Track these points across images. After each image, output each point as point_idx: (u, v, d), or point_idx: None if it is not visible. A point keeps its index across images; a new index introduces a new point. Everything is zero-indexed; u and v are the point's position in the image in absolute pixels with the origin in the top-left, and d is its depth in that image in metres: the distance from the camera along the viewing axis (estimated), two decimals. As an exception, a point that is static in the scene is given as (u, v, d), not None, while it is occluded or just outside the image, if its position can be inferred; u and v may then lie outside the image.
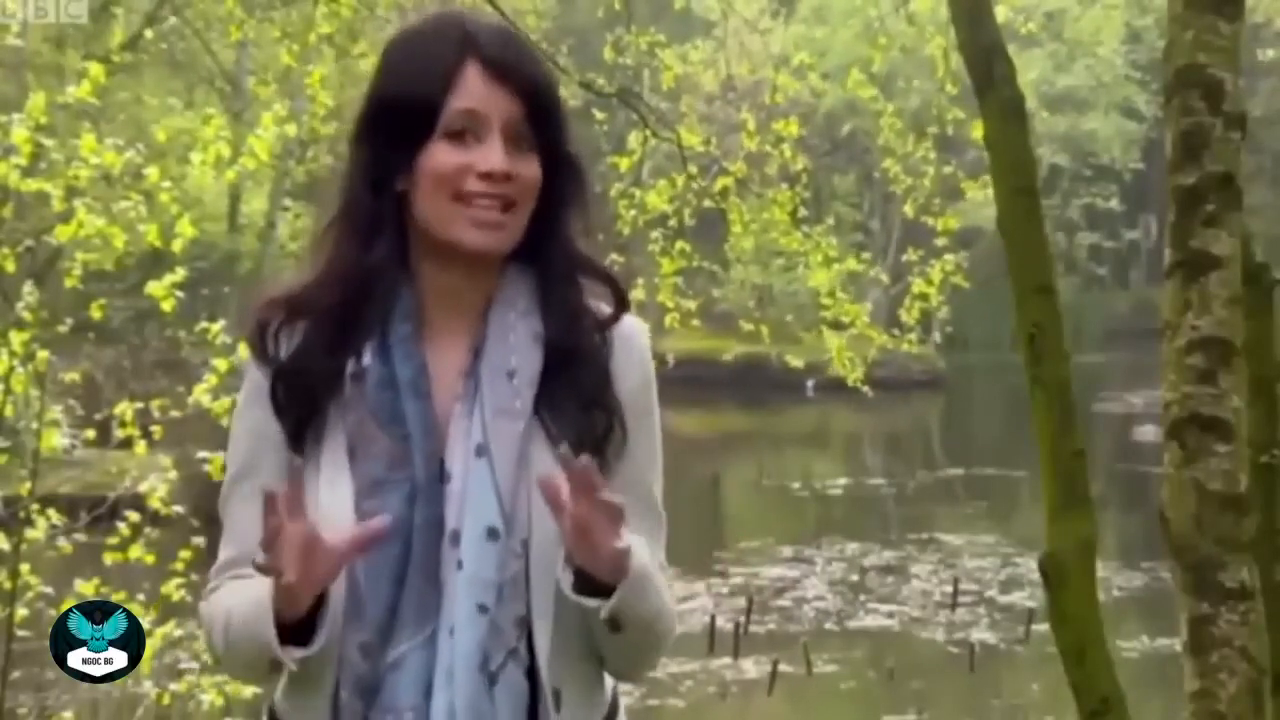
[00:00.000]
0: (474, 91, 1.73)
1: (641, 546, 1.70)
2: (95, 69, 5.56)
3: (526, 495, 1.72)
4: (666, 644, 1.80)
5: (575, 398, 1.77)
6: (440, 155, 1.72)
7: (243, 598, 1.72)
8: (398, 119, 1.74)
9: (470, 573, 1.69)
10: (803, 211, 8.68)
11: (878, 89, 9.32)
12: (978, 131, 4.08)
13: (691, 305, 8.59)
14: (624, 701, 1.88)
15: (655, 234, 8.38)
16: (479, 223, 1.73)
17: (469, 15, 1.80)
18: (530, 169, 1.75)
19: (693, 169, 8.09)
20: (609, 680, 1.84)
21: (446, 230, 1.74)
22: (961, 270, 9.02)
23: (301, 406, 1.76)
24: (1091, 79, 37.57)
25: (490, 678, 1.69)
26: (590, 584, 1.67)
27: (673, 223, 8.33)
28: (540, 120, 1.75)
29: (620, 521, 1.63)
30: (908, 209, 9.06)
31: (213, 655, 1.86)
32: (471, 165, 1.72)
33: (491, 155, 1.72)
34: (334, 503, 1.71)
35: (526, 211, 1.77)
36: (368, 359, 1.74)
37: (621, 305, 1.84)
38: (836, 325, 9.03)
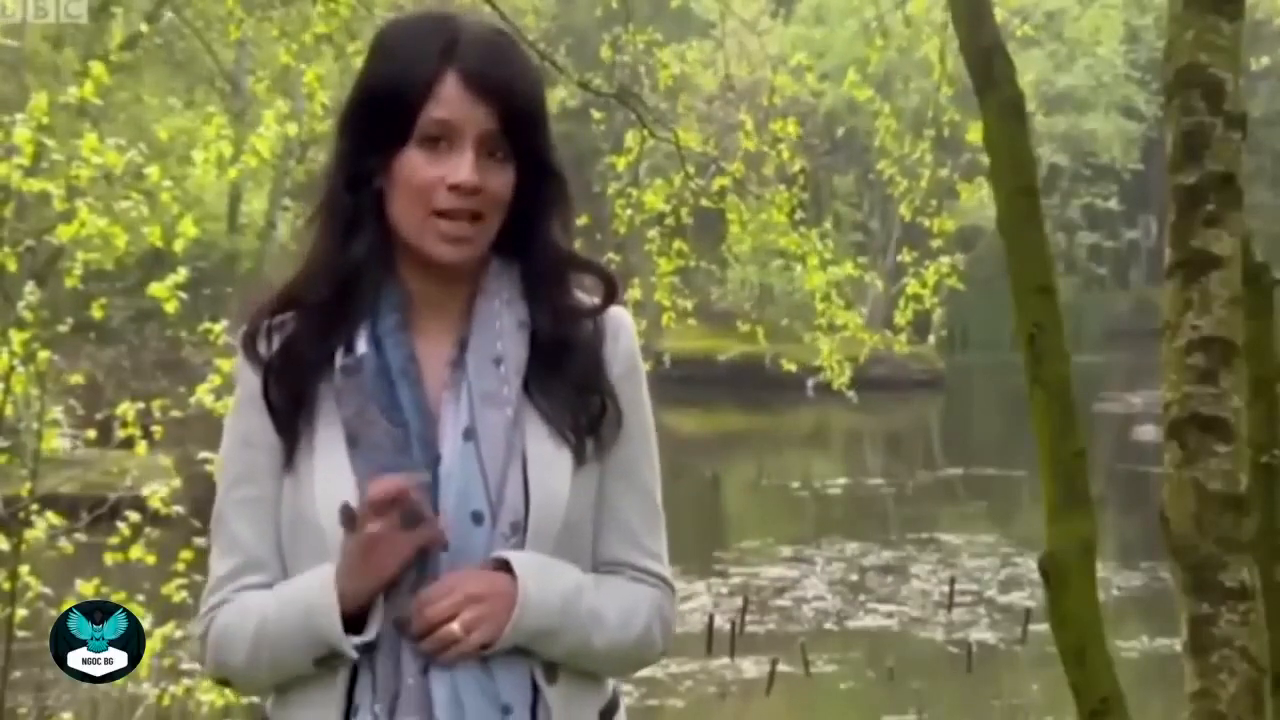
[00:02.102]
0: (450, 102, 1.73)
1: (549, 595, 1.73)
2: (98, 68, 5.55)
3: (520, 479, 1.74)
4: (628, 662, 1.83)
5: (568, 383, 1.79)
6: (413, 164, 1.74)
7: (279, 601, 1.74)
8: (376, 120, 1.76)
9: (452, 554, 1.72)
10: (800, 213, 8.64)
11: (875, 90, 9.31)
12: (974, 134, 4.07)
13: (689, 305, 8.58)
14: (624, 701, 1.89)
15: (652, 233, 8.37)
16: (445, 236, 1.75)
17: (459, 18, 1.79)
18: (501, 180, 1.76)
19: (690, 169, 8.07)
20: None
21: (414, 239, 1.77)
22: (957, 272, 9.01)
23: (293, 398, 1.77)
24: (1091, 79, 37.56)
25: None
26: None
27: (669, 222, 8.32)
28: (517, 132, 1.76)
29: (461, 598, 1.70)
30: (904, 211, 9.04)
31: (222, 666, 1.81)
32: (442, 178, 1.73)
33: (461, 168, 1.73)
34: (334, 492, 1.72)
35: (495, 221, 1.78)
36: (362, 348, 1.76)
37: (611, 294, 1.85)
38: (830, 328, 9.01)
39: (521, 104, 1.76)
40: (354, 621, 1.71)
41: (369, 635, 1.71)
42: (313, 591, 1.71)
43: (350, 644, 1.70)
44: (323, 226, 1.80)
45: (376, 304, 1.78)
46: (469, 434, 1.74)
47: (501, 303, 1.80)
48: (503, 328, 1.79)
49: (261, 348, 1.80)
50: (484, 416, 1.74)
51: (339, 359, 1.76)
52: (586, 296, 1.85)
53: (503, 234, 1.80)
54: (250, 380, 1.80)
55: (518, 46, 1.82)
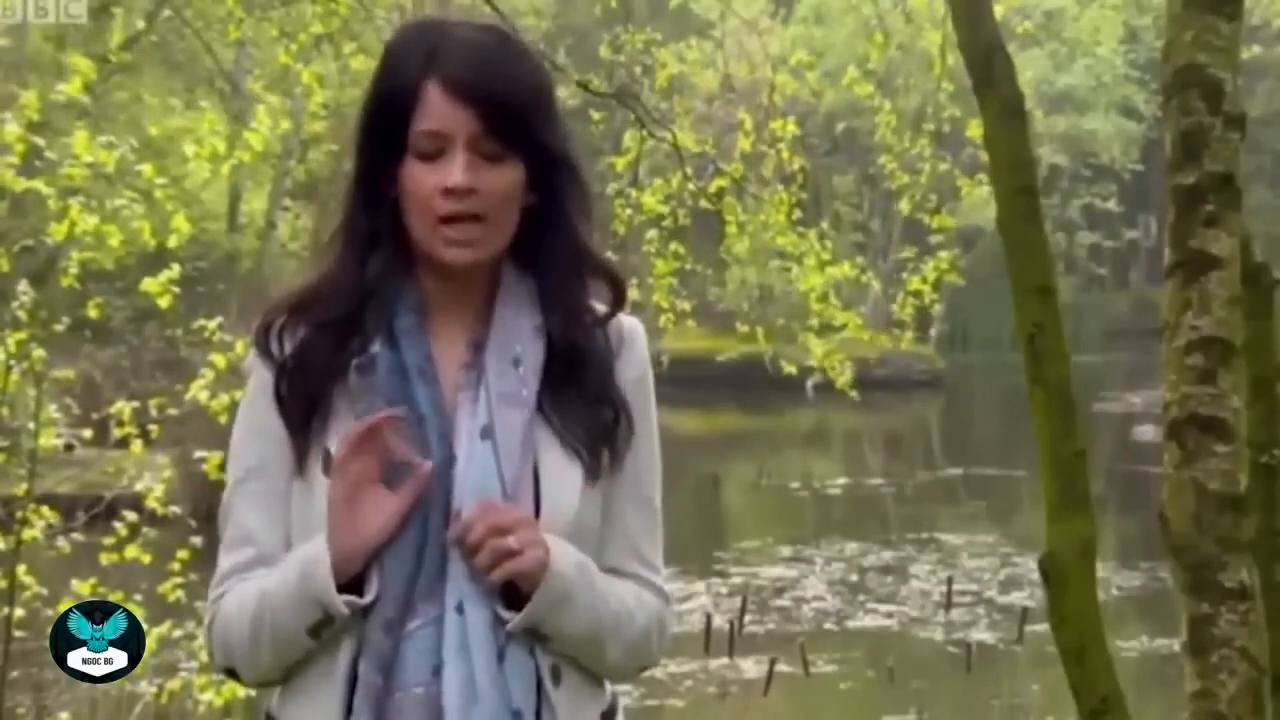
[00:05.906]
0: (435, 112, 1.74)
1: (567, 558, 1.73)
2: (84, 64, 5.53)
3: (531, 479, 1.75)
4: (630, 658, 1.82)
5: (581, 392, 1.80)
6: (413, 176, 1.75)
7: (278, 575, 1.73)
8: (378, 135, 1.78)
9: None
10: (799, 213, 8.62)
11: (875, 86, 9.28)
12: (975, 130, 4.07)
13: (686, 306, 8.55)
14: (623, 701, 1.89)
15: (650, 234, 8.35)
16: (451, 240, 1.76)
17: (446, 23, 1.80)
18: (498, 179, 1.76)
19: (689, 170, 8.05)
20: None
21: (426, 246, 1.78)
22: (957, 267, 8.98)
23: (306, 400, 1.77)
24: (1091, 79, 37.61)
25: (499, 653, 1.71)
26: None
27: (667, 223, 8.30)
28: (507, 129, 1.75)
29: (526, 534, 1.70)
30: (903, 206, 9.02)
31: (226, 651, 1.79)
32: (438, 184, 1.74)
33: (453, 172, 1.73)
34: None
35: (503, 220, 1.78)
36: (376, 347, 1.77)
37: (619, 302, 1.85)
38: (826, 329, 8.97)
39: (508, 101, 1.75)
40: (353, 589, 1.70)
41: (367, 599, 1.69)
42: (308, 549, 1.71)
43: (341, 602, 1.68)
44: (342, 243, 1.82)
45: (394, 307, 1.79)
46: (486, 432, 1.74)
47: (519, 306, 1.81)
48: (520, 331, 1.80)
49: (274, 347, 1.80)
50: (502, 416, 1.75)
51: (354, 359, 1.77)
52: (599, 305, 1.85)
53: (519, 236, 1.80)
54: (263, 375, 1.81)
55: (508, 42, 1.80)
